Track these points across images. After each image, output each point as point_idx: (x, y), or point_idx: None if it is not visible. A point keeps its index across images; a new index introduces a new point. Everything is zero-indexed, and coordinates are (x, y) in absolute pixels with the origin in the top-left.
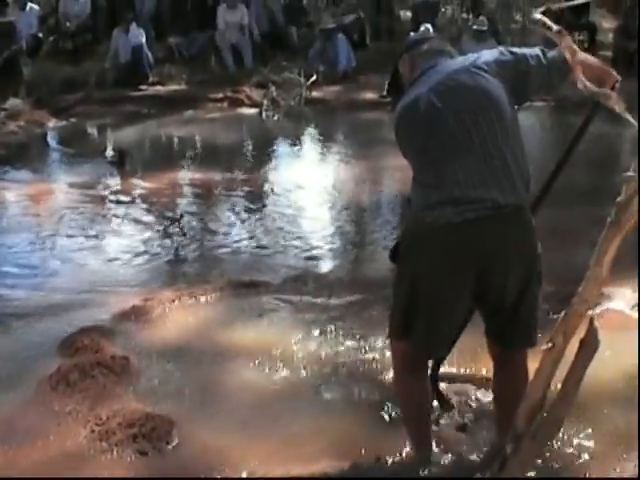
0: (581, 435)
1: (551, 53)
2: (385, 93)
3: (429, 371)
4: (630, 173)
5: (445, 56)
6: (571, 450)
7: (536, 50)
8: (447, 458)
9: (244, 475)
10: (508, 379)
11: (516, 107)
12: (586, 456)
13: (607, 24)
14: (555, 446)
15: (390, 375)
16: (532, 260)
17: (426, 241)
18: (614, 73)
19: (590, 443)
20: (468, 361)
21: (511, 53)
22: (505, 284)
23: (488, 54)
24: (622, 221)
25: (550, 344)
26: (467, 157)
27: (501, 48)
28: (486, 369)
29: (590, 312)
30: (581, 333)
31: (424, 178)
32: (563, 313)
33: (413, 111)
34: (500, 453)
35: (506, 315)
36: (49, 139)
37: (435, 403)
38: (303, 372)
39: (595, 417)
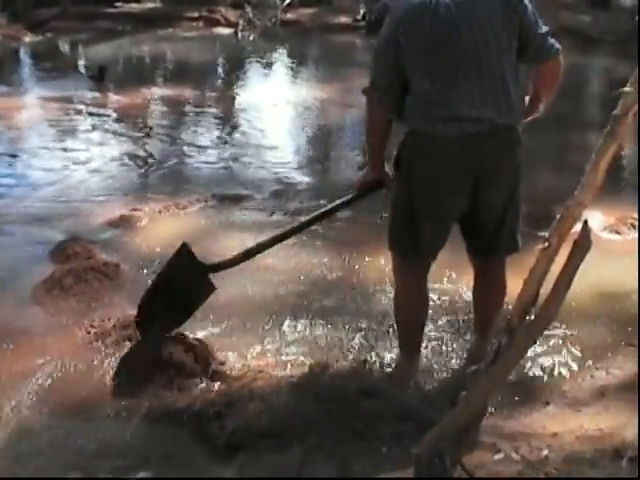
0: (555, 346)
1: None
2: (360, 17)
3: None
4: (626, 89)
5: None
6: (546, 361)
7: (547, 34)
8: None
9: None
10: (488, 286)
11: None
12: (559, 367)
13: None
14: (528, 361)
15: (379, 283)
16: (517, 175)
17: (428, 152)
18: None
19: (563, 354)
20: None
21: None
22: (494, 197)
23: None
24: (617, 132)
25: (545, 244)
26: (474, 77)
27: None
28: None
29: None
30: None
31: (430, 95)
32: (559, 216)
33: (430, 15)
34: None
35: (493, 226)
36: (25, 54)
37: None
38: (288, 281)
39: (568, 330)
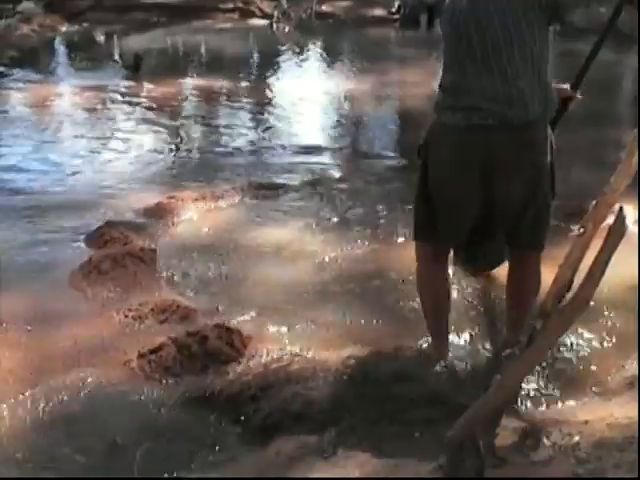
0: (585, 336)
1: None
2: (394, 10)
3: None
4: None
5: None
6: (578, 350)
7: None
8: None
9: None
10: (518, 278)
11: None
12: (589, 356)
13: None
14: (561, 347)
15: (410, 273)
16: (539, 173)
17: (439, 138)
18: None
19: (594, 344)
20: None
21: None
22: (513, 192)
23: None
24: None
25: (581, 230)
26: (489, 71)
27: None
28: None
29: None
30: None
31: (446, 79)
32: (594, 202)
33: (456, 3)
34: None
35: (512, 220)
36: (61, 43)
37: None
38: (323, 267)
39: (598, 320)
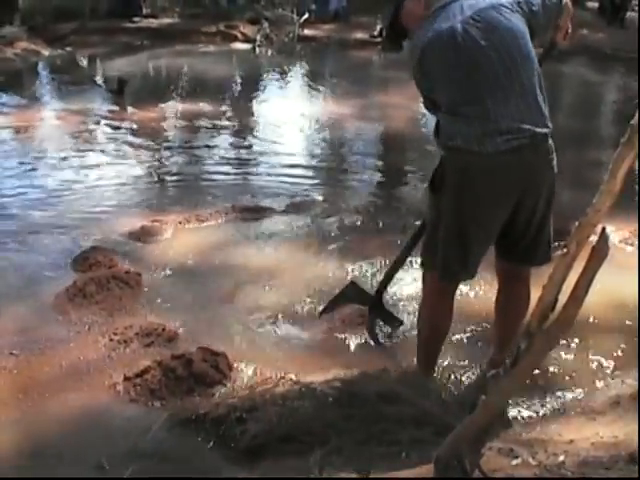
0: (571, 356)
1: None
2: (376, 34)
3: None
4: None
5: None
6: (563, 370)
7: None
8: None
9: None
10: (516, 296)
11: None
12: (574, 376)
13: None
14: (547, 366)
15: (399, 294)
16: (553, 185)
17: (474, 172)
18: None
19: (579, 363)
20: None
21: None
22: (535, 207)
23: None
24: (634, 141)
25: (564, 250)
26: (507, 92)
27: None
28: None
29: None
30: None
31: (469, 110)
32: (577, 222)
33: (448, 43)
34: (497, 367)
35: (533, 234)
36: (44, 67)
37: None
38: (308, 290)
39: (583, 340)
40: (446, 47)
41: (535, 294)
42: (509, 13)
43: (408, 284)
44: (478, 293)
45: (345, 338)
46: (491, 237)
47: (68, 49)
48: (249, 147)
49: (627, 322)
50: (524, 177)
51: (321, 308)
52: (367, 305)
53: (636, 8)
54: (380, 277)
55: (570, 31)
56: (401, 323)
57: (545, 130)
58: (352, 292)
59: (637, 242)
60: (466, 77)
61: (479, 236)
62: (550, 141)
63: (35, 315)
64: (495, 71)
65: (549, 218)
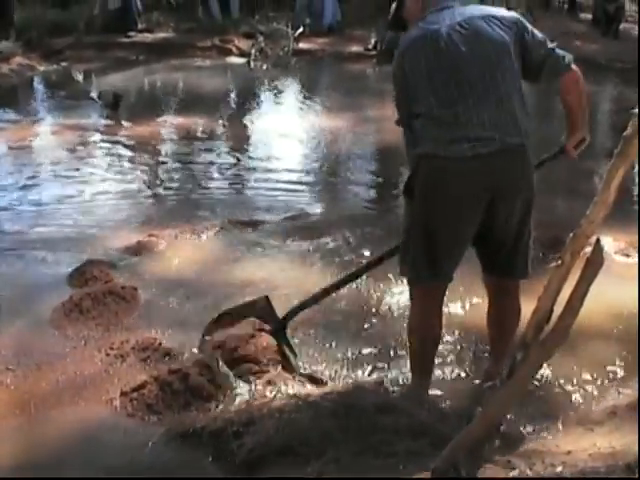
0: (568, 367)
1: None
2: (370, 47)
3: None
4: (636, 110)
5: (454, 2)
6: (560, 381)
7: (554, 50)
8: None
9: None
10: (502, 307)
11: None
12: (571, 386)
13: None
14: (543, 378)
15: (396, 306)
16: (530, 197)
17: (441, 174)
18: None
19: (576, 374)
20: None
21: (525, 29)
22: (510, 216)
23: (507, 13)
24: (628, 152)
25: (559, 262)
26: (483, 101)
27: (519, 17)
28: None
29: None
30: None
31: (442, 114)
32: (572, 233)
33: (431, 45)
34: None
35: (507, 248)
36: (40, 82)
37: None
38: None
39: (580, 350)
40: (429, 47)
41: (530, 306)
42: (498, 26)
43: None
44: (473, 303)
45: (341, 350)
46: (460, 241)
47: (63, 64)
48: (244, 160)
49: (624, 332)
50: (491, 183)
51: (216, 314)
52: (271, 327)
53: (629, 19)
54: (376, 293)
55: (582, 146)
56: (295, 356)
57: (518, 141)
58: (262, 308)
59: (637, 253)
60: (442, 80)
61: (446, 238)
62: (527, 154)
63: (31, 330)
64: (470, 78)
65: (525, 232)
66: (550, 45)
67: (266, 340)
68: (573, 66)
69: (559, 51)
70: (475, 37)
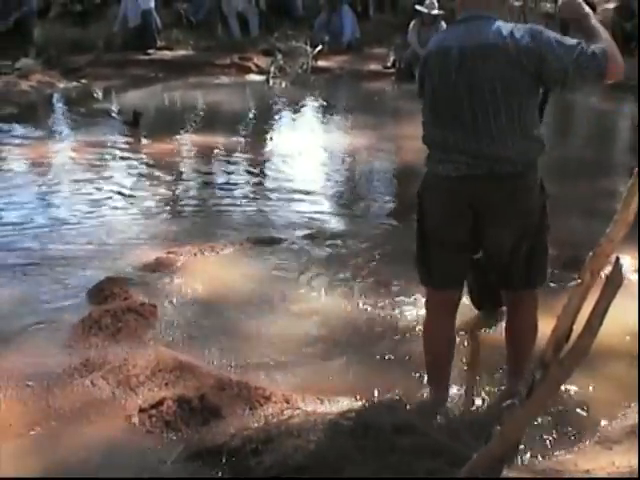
0: (584, 385)
1: (588, 53)
2: (389, 64)
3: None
4: None
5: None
6: (575, 399)
7: (581, 55)
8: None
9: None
10: (515, 323)
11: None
12: (590, 405)
13: (606, 3)
14: (562, 396)
15: (415, 322)
16: (529, 223)
17: (432, 188)
18: None
19: (595, 392)
20: None
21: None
22: (502, 237)
23: (524, 32)
24: None
25: (578, 280)
26: (471, 136)
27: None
28: None
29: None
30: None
31: (434, 134)
32: (591, 252)
33: (440, 64)
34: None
35: (503, 262)
36: (59, 99)
37: None
38: (323, 322)
39: (596, 368)
40: (439, 66)
41: (549, 325)
42: (507, 55)
43: None
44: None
45: (360, 370)
46: (449, 251)
47: (83, 81)
48: (263, 178)
49: None
50: (476, 201)
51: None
52: None
53: None
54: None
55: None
56: None
57: (510, 169)
58: None
59: (637, 272)
60: (441, 103)
61: (435, 247)
62: (524, 182)
63: (51, 346)
64: (463, 114)
65: (522, 246)
66: (577, 50)
67: None
68: (607, 61)
69: (587, 53)
70: (476, 73)
